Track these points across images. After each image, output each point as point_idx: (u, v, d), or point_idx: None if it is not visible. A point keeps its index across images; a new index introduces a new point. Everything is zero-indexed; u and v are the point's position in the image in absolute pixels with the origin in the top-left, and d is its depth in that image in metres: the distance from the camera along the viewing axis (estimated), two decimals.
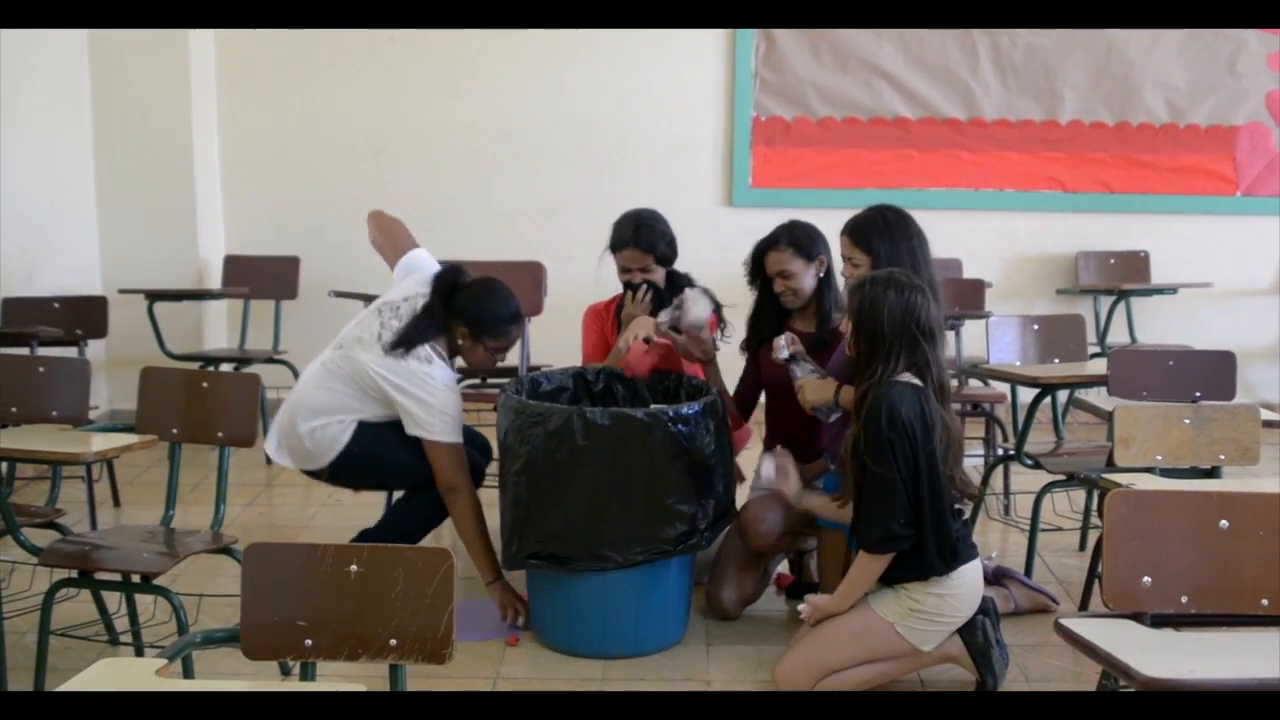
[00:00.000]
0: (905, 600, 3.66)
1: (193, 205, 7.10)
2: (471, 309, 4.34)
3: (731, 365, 4.59)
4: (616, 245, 4.72)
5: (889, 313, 3.53)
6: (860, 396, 3.59)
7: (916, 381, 3.54)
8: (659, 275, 4.71)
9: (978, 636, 3.77)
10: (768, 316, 4.54)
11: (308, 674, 2.66)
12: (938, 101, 7.23)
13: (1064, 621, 2.86)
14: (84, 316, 6.16)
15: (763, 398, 4.63)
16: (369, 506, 5.63)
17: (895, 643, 3.69)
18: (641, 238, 4.68)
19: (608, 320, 4.85)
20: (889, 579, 3.65)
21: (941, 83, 7.23)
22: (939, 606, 3.66)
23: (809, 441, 4.37)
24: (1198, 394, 4.55)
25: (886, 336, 3.53)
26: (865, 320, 3.56)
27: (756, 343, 4.56)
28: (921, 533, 3.55)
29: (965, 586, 3.68)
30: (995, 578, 4.49)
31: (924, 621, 3.67)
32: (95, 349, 6.28)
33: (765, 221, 4.90)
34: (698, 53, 7.20)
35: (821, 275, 4.43)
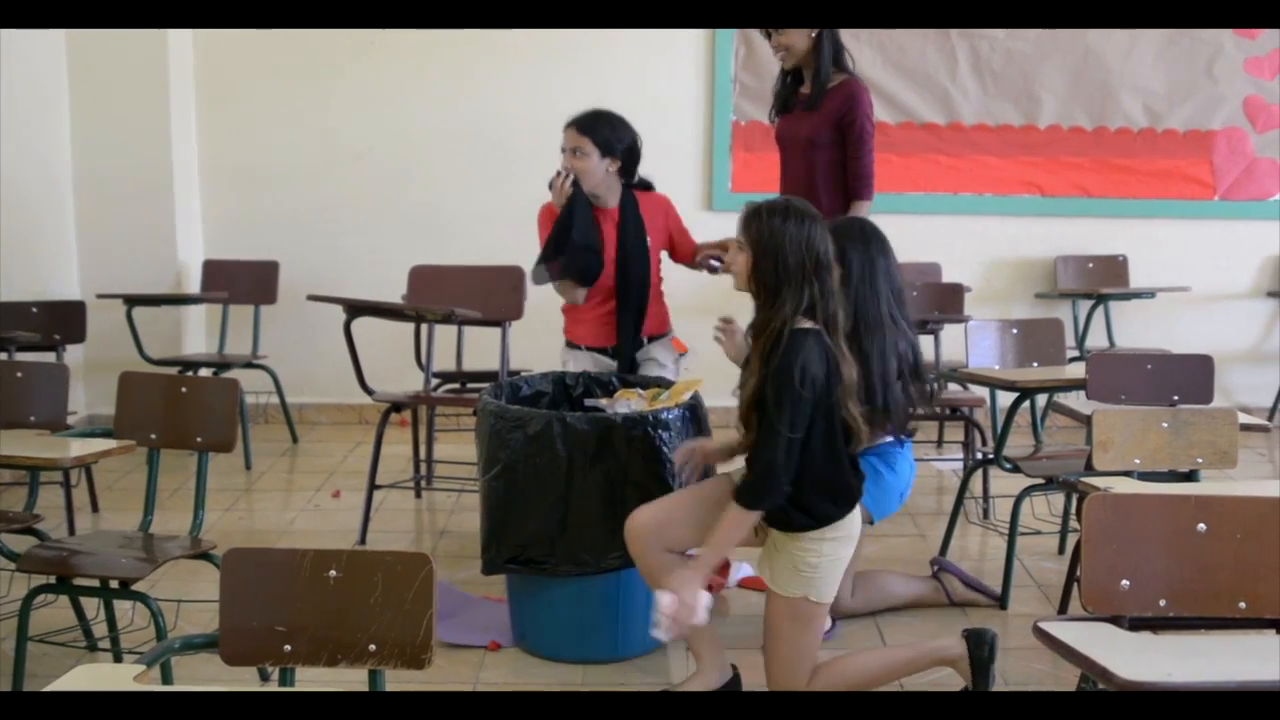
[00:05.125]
0: (800, 567, 3.57)
1: (171, 209, 7.08)
2: None
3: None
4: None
5: (792, 245, 3.44)
6: (763, 336, 3.50)
7: (816, 326, 3.47)
8: (588, 167, 4.78)
9: (984, 652, 3.75)
10: (784, 83, 5.12)
11: (286, 679, 2.66)
12: (916, 106, 7.24)
13: (1043, 625, 2.87)
14: (62, 321, 6.13)
15: None
16: (350, 511, 5.64)
17: (820, 609, 3.64)
18: (583, 120, 4.84)
19: None
20: (787, 527, 3.58)
21: (920, 87, 7.24)
22: (835, 550, 3.59)
23: (800, 189, 4.78)
24: (1176, 398, 4.57)
25: (792, 270, 3.44)
26: (768, 253, 3.47)
27: (777, 110, 5.17)
28: (815, 483, 3.50)
29: (855, 522, 3.63)
30: (934, 571, 4.55)
31: (826, 572, 3.59)
32: (73, 354, 6.26)
33: None
34: (677, 57, 7.21)
35: (814, 36, 4.85)
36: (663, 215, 4.96)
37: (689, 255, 5.04)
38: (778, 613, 3.65)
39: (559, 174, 4.80)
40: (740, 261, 3.54)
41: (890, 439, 4.26)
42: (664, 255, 5.06)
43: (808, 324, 3.47)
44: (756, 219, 3.50)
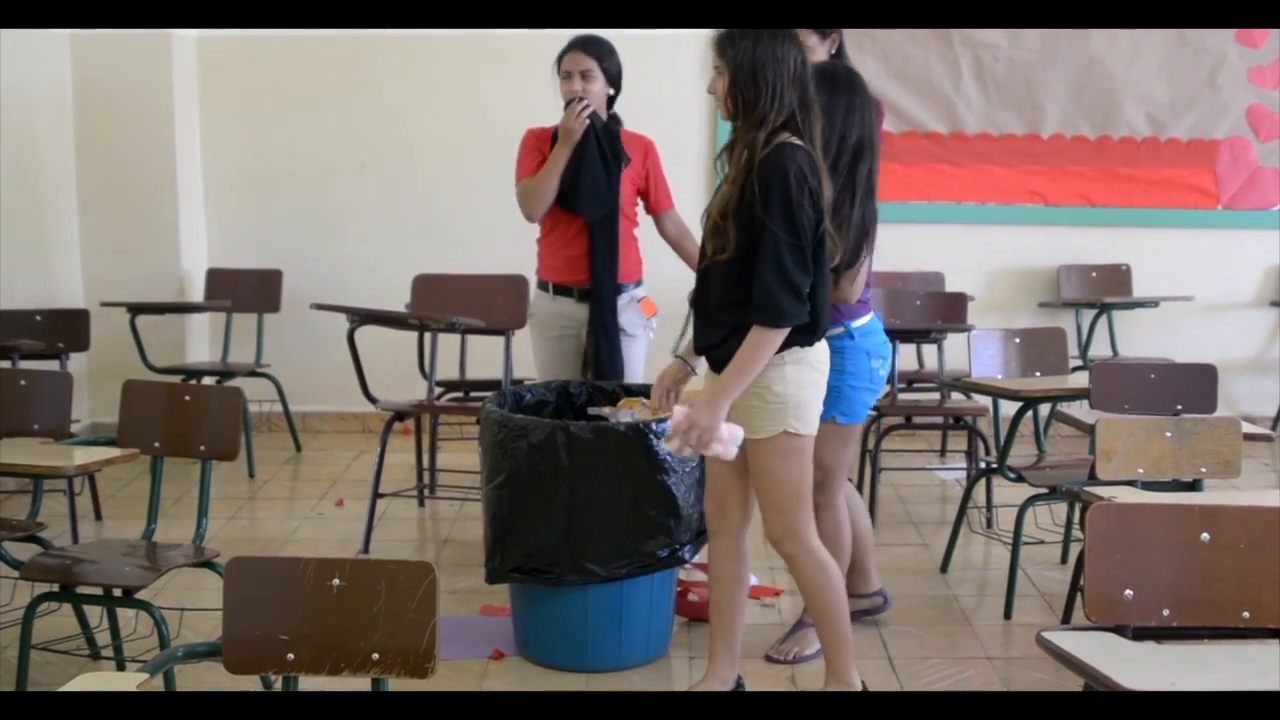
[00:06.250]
0: (768, 399, 3.49)
1: (175, 218, 7.09)
2: None
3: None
4: (561, 54, 4.80)
5: (770, 60, 3.42)
6: (742, 148, 3.47)
7: (801, 142, 3.44)
8: (598, 91, 4.76)
9: None
10: None
11: (289, 688, 2.66)
12: (920, 115, 7.25)
13: (1046, 634, 2.86)
14: (66, 329, 6.14)
15: None
16: (353, 519, 5.64)
17: (804, 441, 3.56)
18: (586, 41, 4.80)
19: (545, 142, 4.86)
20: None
21: (923, 96, 7.24)
22: (800, 374, 3.51)
23: None
24: (1179, 407, 4.57)
25: (771, 82, 3.42)
26: (744, 69, 3.43)
27: None
28: (815, 299, 3.47)
29: (820, 349, 3.57)
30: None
31: (797, 399, 3.51)
32: (77, 362, 6.26)
33: None
34: (680, 65, 7.18)
35: (834, 52, 4.59)
36: (641, 154, 4.92)
37: (662, 208, 4.99)
38: (761, 458, 3.56)
39: (580, 100, 4.70)
40: (720, 86, 3.51)
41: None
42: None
43: (793, 139, 3.45)
44: (731, 42, 3.47)
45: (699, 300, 3.65)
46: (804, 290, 3.40)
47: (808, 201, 3.39)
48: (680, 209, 5.09)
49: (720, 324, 3.54)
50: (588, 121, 4.69)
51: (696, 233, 5.12)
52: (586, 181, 4.73)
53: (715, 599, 3.82)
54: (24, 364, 5.48)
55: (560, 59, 4.80)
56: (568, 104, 4.73)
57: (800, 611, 4.37)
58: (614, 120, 4.91)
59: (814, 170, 3.43)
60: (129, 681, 2.45)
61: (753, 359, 3.42)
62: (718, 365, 3.55)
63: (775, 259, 3.38)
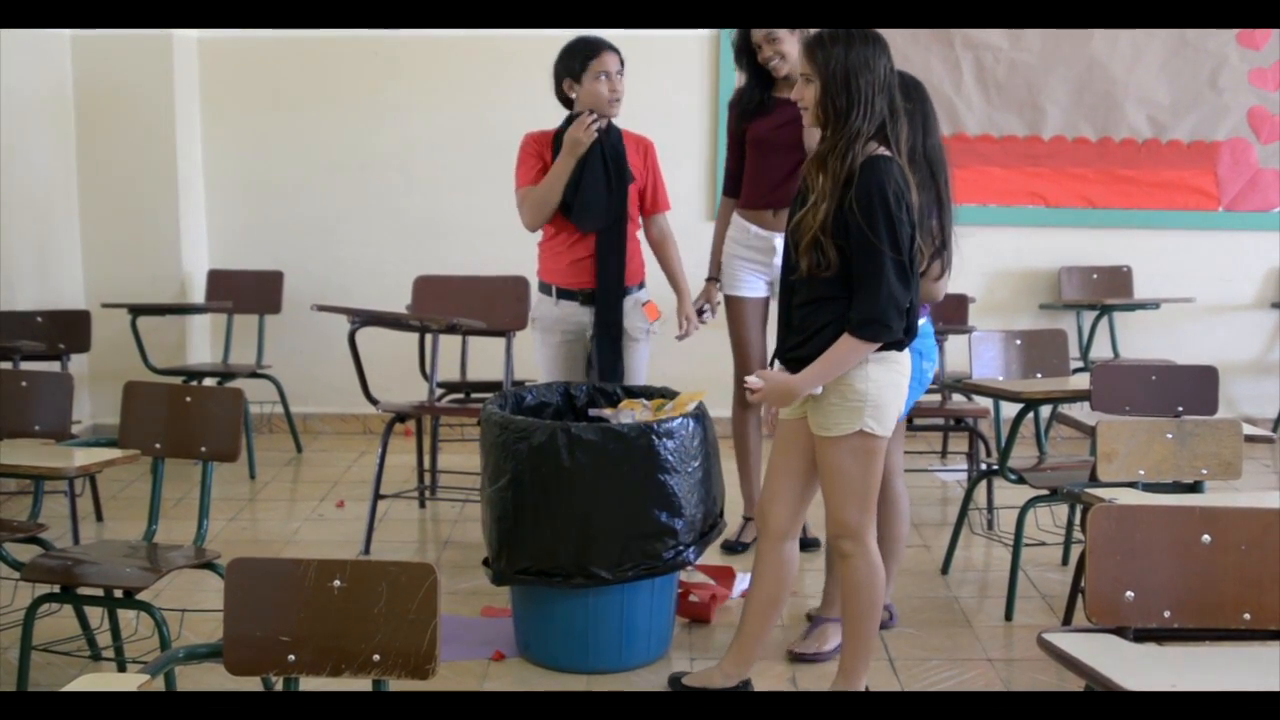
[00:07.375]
0: (849, 397, 3.50)
1: (176, 219, 7.09)
2: None
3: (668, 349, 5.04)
4: (593, 52, 4.75)
5: (862, 67, 3.40)
6: (835, 160, 3.42)
7: (890, 154, 3.44)
8: (621, 93, 4.78)
9: None
10: (756, 88, 4.96)
11: (290, 689, 2.66)
12: None
13: (1047, 636, 2.86)
14: (67, 330, 6.14)
15: None
16: (354, 521, 5.64)
17: (878, 442, 3.57)
18: (610, 43, 4.79)
19: (546, 147, 4.85)
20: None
21: None
22: (882, 374, 3.51)
23: (788, 187, 4.57)
24: (1180, 409, 4.57)
25: (862, 90, 3.40)
26: (837, 78, 3.40)
27: (742, 114, 5.03)
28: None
29: (904, 356, 3.58)
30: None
31: (878, 398, 3.52)
32: (78, 363, 6.26)
33: None
34: (681, 67, 7.21)
35: None
36: (641, 156, 4.91)
37: (656, 210, 4.98)
38: (834, 456, 3.56)
39: (590, 113, 4.67)
40: (808, 94, 3.48)
41: None
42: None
43: (883, 150, 3.44)
44: (821, 48, 3.44)
45: (784, 311, 3.67)
46: (906, 306, 3.43)
47: (906, 215, 3.41)
48: (681, 209, 5.08)
49: (801, 329, 3.56)
50: (595, 135, 4.68)
51: (693, 237, 5.17)
52: (587, 195, 4.72)
53: (748, 596, 3.87)
54: (25, 365, 5.49)
55: (587, 61, 4.73)
56: (575, 115, 4.73)
57: (817, 608, 4.38)
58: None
59: (907, 182, 3.45)
60: (130, 682, 2.45)
61: (838, 363, 3.47)
62: (796, 365, 3.56)
63: (882, 277, 3.39)
